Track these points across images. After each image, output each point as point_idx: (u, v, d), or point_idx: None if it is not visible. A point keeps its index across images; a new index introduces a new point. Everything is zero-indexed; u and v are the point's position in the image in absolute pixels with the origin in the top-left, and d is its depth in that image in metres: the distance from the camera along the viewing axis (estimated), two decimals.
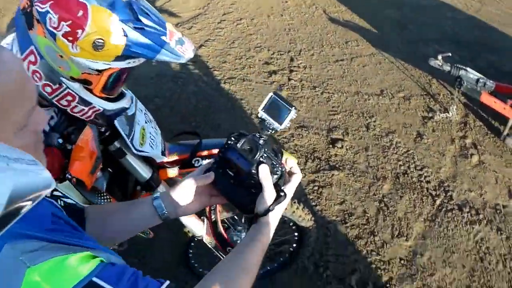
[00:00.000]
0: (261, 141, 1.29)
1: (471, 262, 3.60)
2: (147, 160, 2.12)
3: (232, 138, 1.31)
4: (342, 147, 4.40)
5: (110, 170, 2.14)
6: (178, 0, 6.88)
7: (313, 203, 3.78)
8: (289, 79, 5.30)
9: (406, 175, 4.24)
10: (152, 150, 2.06)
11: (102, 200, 1.92)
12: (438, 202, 4.03)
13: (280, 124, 1.27)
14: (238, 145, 1.29)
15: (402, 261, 3.49)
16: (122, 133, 1.90)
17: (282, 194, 1.26)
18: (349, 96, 5.17)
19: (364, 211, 3.81)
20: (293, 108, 1.27)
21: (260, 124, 1.30)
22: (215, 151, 2.24)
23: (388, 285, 3.32)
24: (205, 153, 2.26)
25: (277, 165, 1.30)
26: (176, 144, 2.31)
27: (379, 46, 6.43)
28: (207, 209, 2.34)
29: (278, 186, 1.29)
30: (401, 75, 5.71)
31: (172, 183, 2.24)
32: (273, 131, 1.30)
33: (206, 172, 1.34)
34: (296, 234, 3.00)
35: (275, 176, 1.29)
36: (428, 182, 4.21)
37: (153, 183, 2.12)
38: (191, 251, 3.05)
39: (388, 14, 7.64)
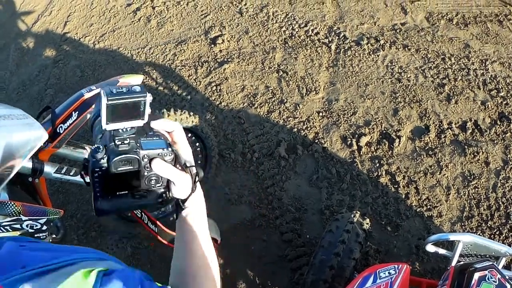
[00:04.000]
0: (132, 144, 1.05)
1: (389, 86, 3.78)
2: None
3: (97, 170, 1.03)
4: (223, 41, 4.43)
5: None
6: None
7: (217, 102, 3.84)
8: (153, 8, 5.22)
9: (293, 37, 4.33)
10: None
11: (10, 209, 1.99)
12: (333, 47, 4.16)
13: (143, 118, 1.04)
14: (113, 168, 1.03)
15: (321, 114, 3.63)
16: None
17: (190, 169, 1.11)
18: None
19: (266, 86, 3.91)
20: (146, 95, 1.00)
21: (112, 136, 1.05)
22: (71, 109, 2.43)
23: (316, 140, 3.45)
24: (63, 117, 2.40)
25: (164, 147, 1.08)
26: None
27: None
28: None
29: (180, 163, 1.12)
30: None
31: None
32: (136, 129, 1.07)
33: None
34: (198, 143, 3.04)
35: (169, 157, 1.08)
36: (317, 33, 4.32)
37: (37, 167, 2.26)
38: None
39: None
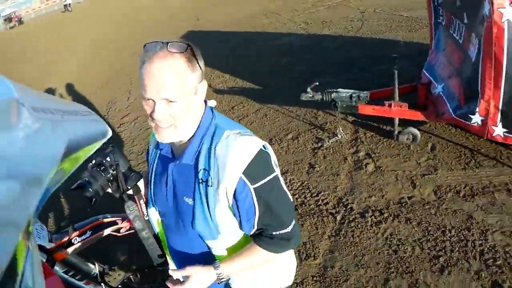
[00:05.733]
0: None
1: (385, 257, 4.21)
2: (41, 248, 2.96)
3: None
4: None
5: None
6: None
7: None
8: None
9: (303, 205, 4.96)
10: (39, 240, 2.91)
11: None
12: (339, 217, 4.72)
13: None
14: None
15: (315, 278, 4.12)
16: None
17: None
18: None
19: None
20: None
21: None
22: (87, 227, 3.29)
23: None
24: (79, 232, 3.23)
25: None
26: (59, 233, 3.23)
27: (264, 100, 7.38)
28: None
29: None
30: (287, 119, 6.53)
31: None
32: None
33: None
34: None
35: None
36: (326, 203, 4.92)
37: (49, 262, 2.96)
38: None
39: (266, 67, 8.75)
